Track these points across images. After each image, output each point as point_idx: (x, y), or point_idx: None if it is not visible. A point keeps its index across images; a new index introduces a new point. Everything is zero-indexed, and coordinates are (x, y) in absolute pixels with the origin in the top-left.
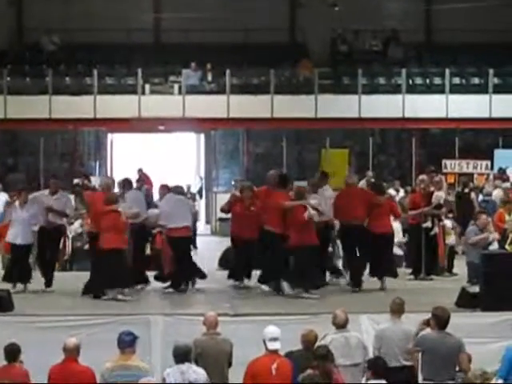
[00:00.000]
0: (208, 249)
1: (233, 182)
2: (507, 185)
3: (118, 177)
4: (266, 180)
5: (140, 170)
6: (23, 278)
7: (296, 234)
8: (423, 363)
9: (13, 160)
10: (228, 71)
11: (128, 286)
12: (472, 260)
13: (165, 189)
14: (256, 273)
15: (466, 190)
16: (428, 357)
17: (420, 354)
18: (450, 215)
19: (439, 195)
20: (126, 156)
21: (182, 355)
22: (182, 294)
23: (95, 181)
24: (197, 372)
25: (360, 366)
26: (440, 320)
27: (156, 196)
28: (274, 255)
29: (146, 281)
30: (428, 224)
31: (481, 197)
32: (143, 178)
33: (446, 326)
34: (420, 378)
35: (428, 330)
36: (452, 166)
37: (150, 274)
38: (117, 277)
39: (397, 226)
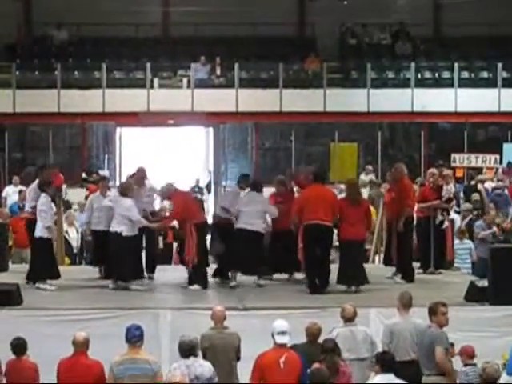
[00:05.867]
0: None
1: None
2: None
3: (126, 171)
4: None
5: (47, 167)
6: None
7: None
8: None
9: (21, 154)
10: (237, 65)
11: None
12: (479, 255)
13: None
14: None
15: (473, 183)
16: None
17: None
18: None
19: (449, 189)
20: (135, 150)
21: (187, 350)
22: (191, 289)
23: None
24: (203, 366)
25: (366, 360)
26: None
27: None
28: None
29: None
30: (440, 218)
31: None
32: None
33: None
34: None
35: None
36: (461, 159)
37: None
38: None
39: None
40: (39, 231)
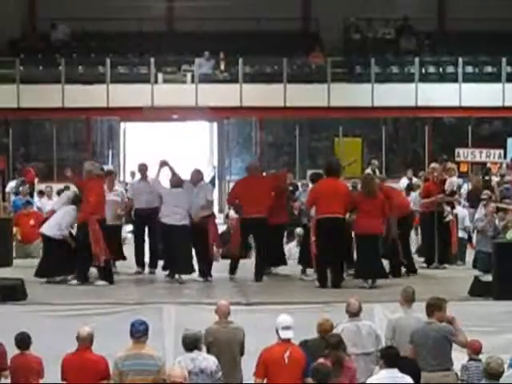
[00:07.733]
0: None
1: None
2: None
3: (130, 166)
4: None
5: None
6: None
7: None
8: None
9: (26, 149)
10: (241, 60)
11: None
12: (481, 248)
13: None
14: None
15: (487, 178)
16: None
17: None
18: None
19: (453, 181)
20: (139, 145)
21: (191, 343)
22: (196, 283)
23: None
24: (207, 359)
25: (372, 354)
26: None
27: None
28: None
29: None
30: (448, 210)
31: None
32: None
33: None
34: None
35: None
36: (465, 154)
37: None
38: None
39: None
40: (55, 231)
